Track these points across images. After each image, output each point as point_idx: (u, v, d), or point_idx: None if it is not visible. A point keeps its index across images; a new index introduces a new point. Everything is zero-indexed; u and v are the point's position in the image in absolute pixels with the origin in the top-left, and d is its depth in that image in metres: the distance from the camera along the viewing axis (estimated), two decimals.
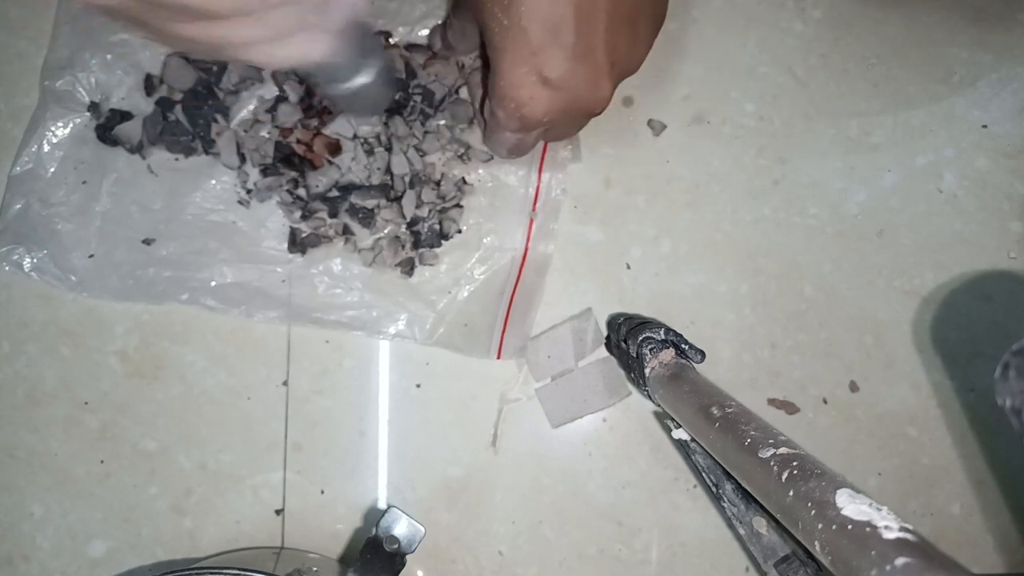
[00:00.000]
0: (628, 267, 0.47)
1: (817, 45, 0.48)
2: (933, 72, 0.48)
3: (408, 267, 0.46)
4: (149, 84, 0.46)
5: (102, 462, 0.47)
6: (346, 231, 0.46)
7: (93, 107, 0.46)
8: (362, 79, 0.36)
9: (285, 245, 0.46)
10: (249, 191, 0.46)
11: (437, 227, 0.46)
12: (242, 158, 0.46)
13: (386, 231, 0.46)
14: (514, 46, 0.31)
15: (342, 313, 0.46)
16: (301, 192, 0.46)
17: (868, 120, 0.47)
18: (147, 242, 0.46)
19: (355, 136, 0.45)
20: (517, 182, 0.46)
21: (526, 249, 0.46)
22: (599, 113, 0.36)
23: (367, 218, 0.45)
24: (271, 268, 0.46)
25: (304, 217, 0.45)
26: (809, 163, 0.47)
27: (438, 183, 0.46)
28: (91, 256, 0.46)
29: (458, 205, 0.46)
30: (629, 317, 0.45)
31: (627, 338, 0.42)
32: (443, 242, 0.46)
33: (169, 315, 0.47)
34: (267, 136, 0.46)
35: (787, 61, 0.48)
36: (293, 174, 0.46)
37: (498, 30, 0.32)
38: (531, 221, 0.46)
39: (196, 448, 0.47)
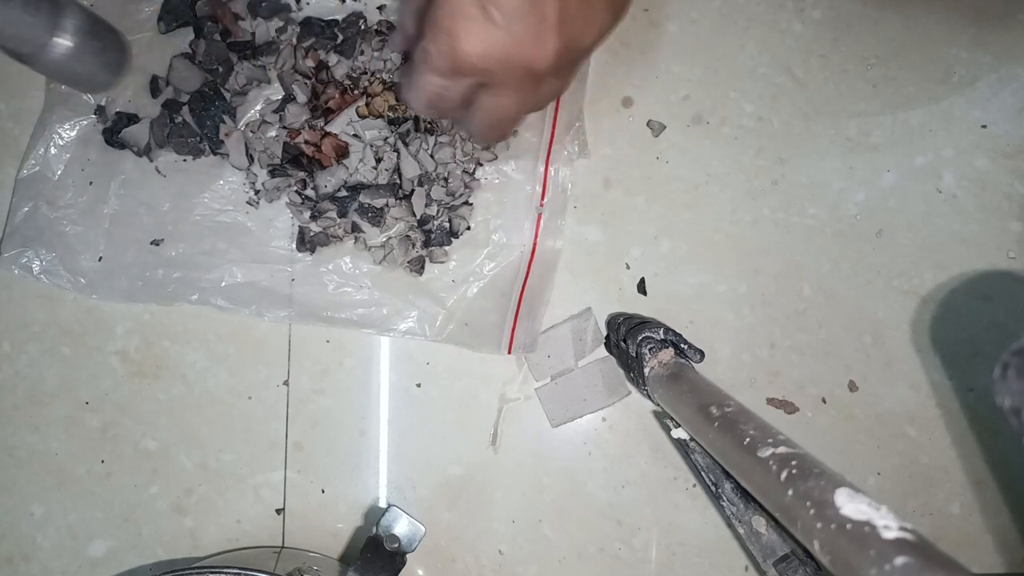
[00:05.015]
0: (628, 267, 0.47)
1: (816, 46, 0.48)
2: (932, 72, 0.48)
3: (419, 265, 0.46)
4: (155, 86, 0.46)
5: (103, 462, 0.47)
6: (355, 229, 0.46)
7: (99, 110, 0.46)
8: (63, 41, 0.34)
9: (294, 244, 0.46)
10: (257, 191, 0.46)
11: (447, 225, 0.46)
12: (250, 159, 0.46)
13: (395, 229, 0.46)
14: None
15: (352, 311, 0.46)
16: (310, 192, 0.46)
17: (867, 120, 0.47)
18: (156, 243, 0.46)
19: (355, 135, 0.45)
20: (524, 178, 0.46)
21: (534, 245, 0.46)
22: (540, 74, 0.32)
23: (376, 217, 0.46)
24: (280, 268, 0.46)
25: (313, 217, 0.46)
26: (808, 163, 0.47)
27: (446, 179, 0.46)
28: (100, 258, 0.46)
29: (467, 203, 0.46)
30: (629, 317, 0.45)
31: (626, 338, 0.42)
32: (453, 240, 0.46)
33: (170, 315, 0.47)
34: (275, 136, 0.46)
35: (786, 62, 0.48)
36: (302, 174, 0.46)
37: None
38: (539, 217, 0.46)
39: (197, 448, 0.47)
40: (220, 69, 0.45)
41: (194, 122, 0.46)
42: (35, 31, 0.32)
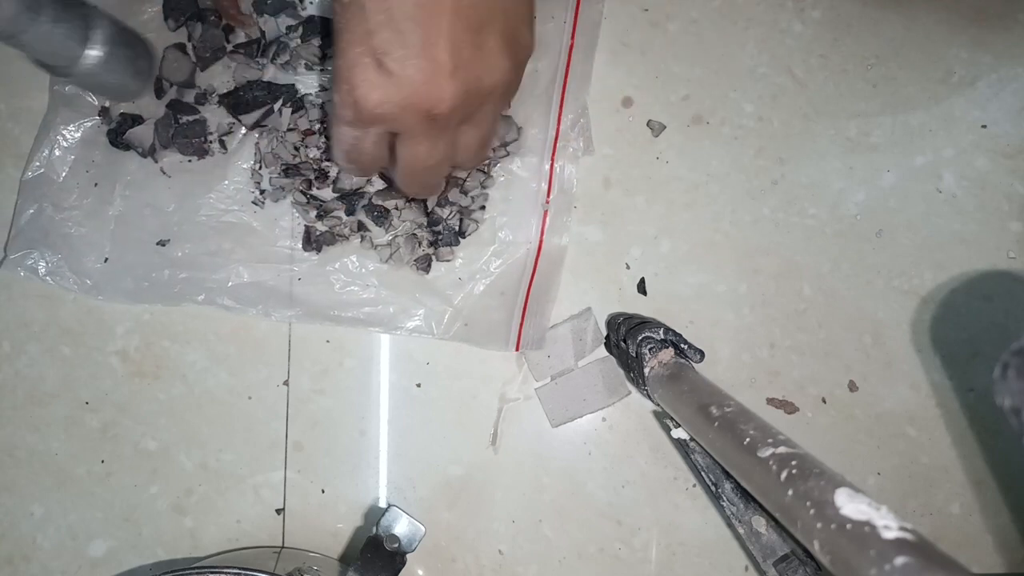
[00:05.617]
0: (628, 267, 0.47)
1: (816, 46, 0.48)
2: (932, 72, 0.48)
3: (425, 263, 0.46)
4: (159, 86, 0.46)
5: (103, 462, 0.47)
6: (361, 228, 0.46)
7: (103, 112, 0.46)
8: (94, 52, 0.33)
9: (300, 244, 0.46)
10: (263, 191, 0.46)
11: (456, 225, 0.46)
12: (262, 163, 0.46)
13: (401, 228, 0.46)
14: (352, 25, 0.30)
15: (359, 310, 0.46)
16: (316, 192, 0.46)
17: (867, 120, 0.47)
18: (161, 244, 0.46)
19: None
20: (529, 175, 0.46)
21: (540, 242, 0.46)
22: (440, 116, 0.33)
23: (381, 216, 0.46)
24: (287, 267, 0.46)
25: (319, 216, 0.46)
26: (808, 163, 0.47)
27: (461, 180, 0.46)
28: (106, 260, 0.46)
29: (482, 207, 0.46)
30: (628, 317, 0.45)
31: (626, 338, 0.42)
32: (460, 239, 0.46)
33: (170, 315, 0.47)
34: (282, 136, 0.46)
35: (786, 61, 0.48)
36: (312, 175, 0.46)
37: (339, 8, 0.31)
38: (545, 214, 0.46)
39: (197, 448, 0.47)
40: (209, 56, 0.45)
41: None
42: (66, 44, 0.33)
